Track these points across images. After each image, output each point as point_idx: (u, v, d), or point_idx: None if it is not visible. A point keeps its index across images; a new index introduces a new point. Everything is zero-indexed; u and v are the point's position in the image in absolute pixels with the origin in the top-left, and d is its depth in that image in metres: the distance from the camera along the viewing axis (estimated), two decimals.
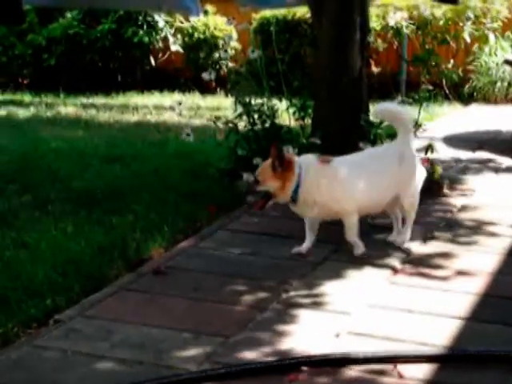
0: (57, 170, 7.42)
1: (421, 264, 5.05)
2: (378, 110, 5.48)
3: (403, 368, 3.62)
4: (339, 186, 5.02)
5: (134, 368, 3.61)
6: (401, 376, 3.56)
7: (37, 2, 9.96)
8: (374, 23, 12.84)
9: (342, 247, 5.27)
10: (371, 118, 6.76)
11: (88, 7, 13.14)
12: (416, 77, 10.46)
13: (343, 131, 6.67)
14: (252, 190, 5.19)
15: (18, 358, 3.72)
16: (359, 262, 5.03)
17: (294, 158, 5.09)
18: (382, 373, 3.59)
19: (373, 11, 12.47)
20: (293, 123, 7.02)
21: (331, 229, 5.45)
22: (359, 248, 5.14)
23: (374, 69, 13.32)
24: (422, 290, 4.65)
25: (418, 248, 5.34)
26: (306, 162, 5.04)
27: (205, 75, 7.20)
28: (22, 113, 11.59)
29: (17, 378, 3.51)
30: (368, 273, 4.89)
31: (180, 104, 7.76)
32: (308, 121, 6.99)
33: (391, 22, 13.03)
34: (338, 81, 6.64)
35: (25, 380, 3.49)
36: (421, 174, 5.32)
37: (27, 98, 13.29)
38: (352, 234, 5.13)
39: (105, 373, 3.58)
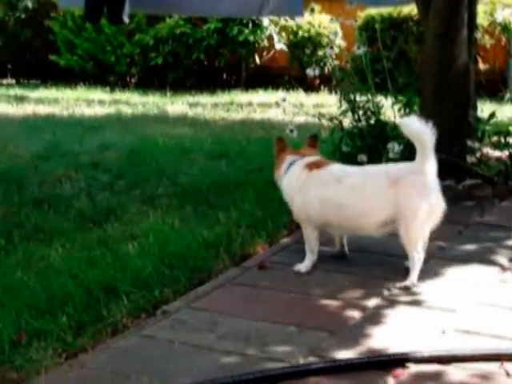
0: (164, 166, 7.57)
1: None
2: (401, 124, 4.79)
3: (511, 366, 3.56)
4: (301, 192, 4.83)
5: (239, 360, 3.65)
6: (508, 374, 3.50)
7: (142, 9, 10.18)
8: (482, 19, 12.63)
9: (448, 245, 5.22)
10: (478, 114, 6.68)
11: (189, 15, 13.36)
12: None
13: (450, 128, 6.58)
14: None
15: (127, 347, 3.81)
16: (465, 260, 4.96)
17: (287, 154, 4.97)
18: (488, 371, 3.54)
19: (480, 8, 12.26)
20: (398, 120, 6.96)
21: (438, 226, 5.41)
22: (306, 263, 4.81)
23: (482, 65, 13.10)
24: None
25: None
26: (297, 162, 4.90)
27: (309, 71, 7.23)
28: (130, 111, 11.85)
29: (125, 367, 3.60)
30: (474, 270, 4.82)
31: (285, 100, 7.82)
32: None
33: (499, 19, 12.80)
34: (445, 77, 6.57)
35: (133, 368, 3.57)
36: (427, 205, 4.52)
37: (135, 96, 13.58)
38: (308, 244, 4.88)
39: (211, 364, 3.62)
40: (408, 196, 4.53)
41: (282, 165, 4.97)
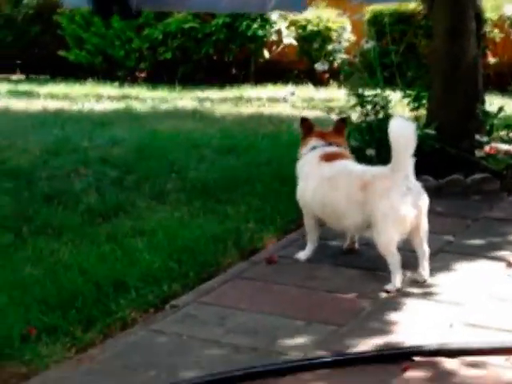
0: (173, 161, 7.57)
1: None
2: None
3: None
4: (305, 179, 4.89)
5: (247, 354, 3.67)
6: None
7: (147, 6, 10.20)
8: (491, 13, 12.60)
9: (456, 239, 5.23)
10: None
11: (193, 11, 13.39)
12: None
13: (458, 121, 6.60)
14: None
15: (136, 341, 3.84)
16: (473, 254, 4.97)
17: (311, 137, 4.96)
18: (496, 364, 3.55)
19: (489, 1, 12.24)
20: (407, 114, 6.96)
21: (446, 220, 5.44)
22: (306, 252, 4.90)
23: (491, 59, 13.06)
24: None
25: None
26: (317, 150, 4.90)
27: (318, 66, 7.24)
28: (139, 106, 11.85)
29: (134, 361, 3.63)
30: (482, 265, 4.83)
31: (293, 94, 7.79)
32: (423, 111, 6.93)
33: (508, 13, 12.77)
34: (453, 71, 6.57)
35: (141, 362, 3.60)
36: (393, 211, 4.40)
37: (144, 91, 13.58)
38: (307, 232, 4.96)
39: (219, 358, 3.65)
40: (373, 201, 4.46)
41: (305, 146, 4.97)
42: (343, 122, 5.19)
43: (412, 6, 13.29)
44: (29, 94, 13.14)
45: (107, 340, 3.87)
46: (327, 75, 13.76)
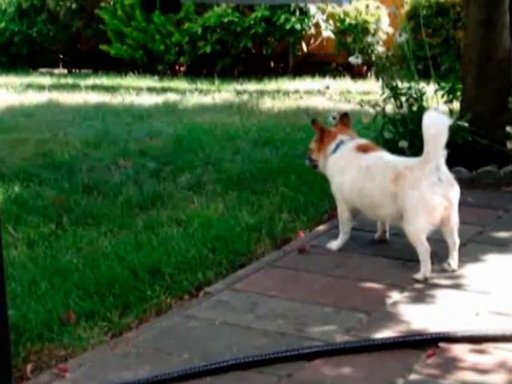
0: (209, 153, 7.70)
1: None
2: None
3: None
4: (340, 174, 4.96)
5: (277, 339, 3.79)
6: None
7: None
8: None
9: (486, 229, 5.29)
10: None
11: (236, 3, 13.50)
12: None
13: (491, 114, 6.65)
14: (309, 156, 5.26)
15: (170, 326, 3.98)
16: (502, 245, 5.03)
17: (335, 134, 5.05)
18: None
19: None
20: (441, 106, 7.01)
21: (477, 211, 5.50)
22: (337, 242, 5.00)
23: None
24: None
25: None
26: (348, 143, 4.98)
27: (352, 59, 7.30)
28: (178, 99, 11.99)
29: (167, 344, 3.76)
30: (511, 256, 4.88)
31: (328, 88, 7.84)
32: (456, 104, 6.98)
33: None
34: (486, 63, 6.62)
35: (175, 346, 3.74)
36: (423, 201, 4.50)
37: (183, 84, 13.72)
38: (340, 223, 5.05)
39: (249, 342, 3.77)
40: (404, 192, 4.56)
41: (331, 143, 5.03)
42: (346, 116, 5.26)
43: None
44: (71, 88, 13.34)
45: (142, 325, 4.02)
46: (365, 68, 13.80)
